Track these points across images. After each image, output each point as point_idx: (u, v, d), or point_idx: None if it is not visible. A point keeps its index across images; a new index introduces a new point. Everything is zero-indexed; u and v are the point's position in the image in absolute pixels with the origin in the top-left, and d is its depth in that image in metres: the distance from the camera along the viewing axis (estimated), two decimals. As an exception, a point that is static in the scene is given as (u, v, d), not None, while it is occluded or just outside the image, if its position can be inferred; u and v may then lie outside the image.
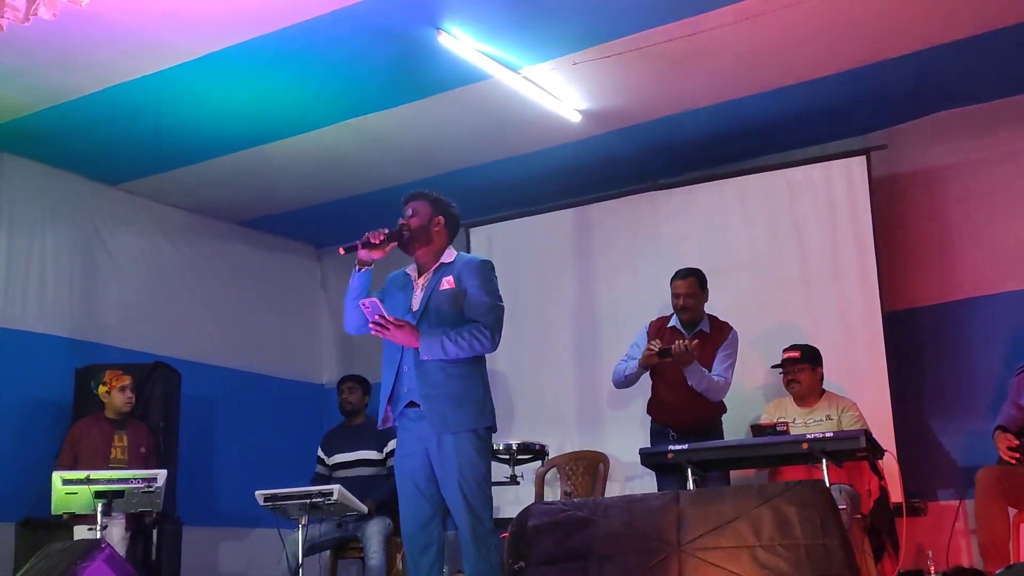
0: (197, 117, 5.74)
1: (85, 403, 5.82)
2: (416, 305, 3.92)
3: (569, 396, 6.62)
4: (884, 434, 5.24)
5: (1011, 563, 4.42)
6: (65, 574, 3.68)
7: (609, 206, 6.76)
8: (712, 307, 5.34)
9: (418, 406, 3.86)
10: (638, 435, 5.48)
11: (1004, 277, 5.83)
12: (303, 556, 4.83)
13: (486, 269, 3.98)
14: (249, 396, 7.36)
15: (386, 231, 3.87)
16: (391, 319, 3.76)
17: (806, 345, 5.26)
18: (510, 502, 5.70)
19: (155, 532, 5.47)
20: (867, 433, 4.39)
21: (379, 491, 5.64)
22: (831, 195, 6.08)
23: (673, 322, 5.30)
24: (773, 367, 5.34)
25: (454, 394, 3.84)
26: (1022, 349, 5.55)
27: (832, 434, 4.42)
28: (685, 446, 4.56)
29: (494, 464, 4.59)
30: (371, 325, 3.77)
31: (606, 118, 5.96)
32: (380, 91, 5.55)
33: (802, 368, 5.18)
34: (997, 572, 3.96)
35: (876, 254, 5.88)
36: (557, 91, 5.61)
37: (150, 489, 4.67)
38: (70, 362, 6.13)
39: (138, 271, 6.86)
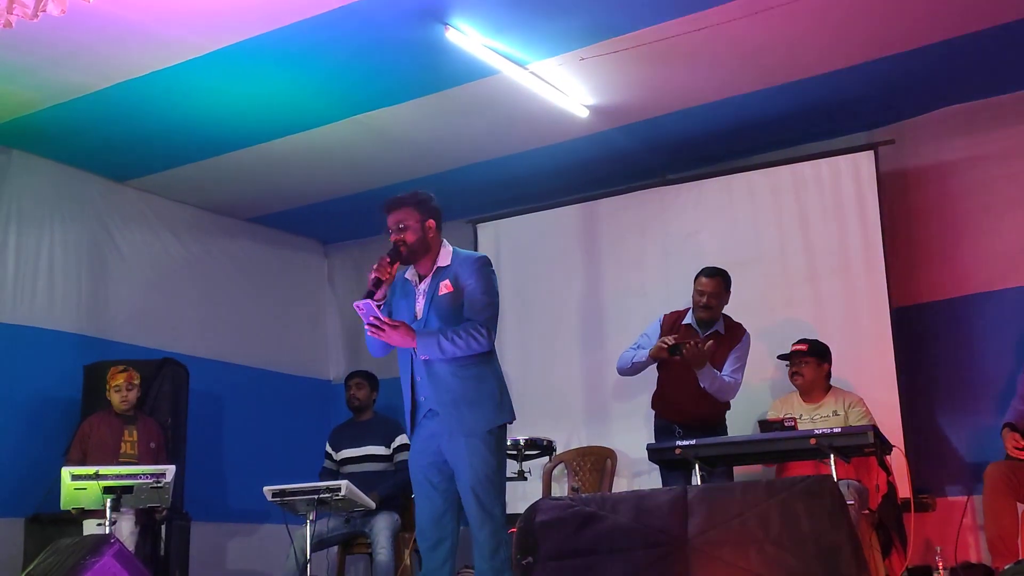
0: (205, 113, 5.74)
1: (94, 399, 5.84)
2: (420, 313, 3.95)
3: (576, 391, 6.62)
4: (892, 429, 5.24)
5: (1020, 558, 4.43)
6: (74, 569, 3.69)
7: (616, 201, 6.76)
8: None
9: (438, 414, 3.88)
10: (644, 430, 5.48)
11: (1013, 272, 5.81)
12: (311, 551, 4.85)
13: (483, 266, 3.99)
14: (257, 392, 7.36)
15: (387, 259, 3.85)
16: (386, 320, 3.78)
17: (816, 340, 5.26)
18: (518, 498, 5.70)
19: (164, 527, 5.47)
20: (875, 428, 4.40)
21: (385, 484, 5.66)
22: (839, 190, 6.07)
23: (688, 319, 5.27)
24: (779, 357, 5.35)
25: (471, 398, 3.86)
26: (1031, 345, 5.55)
27: (840, 429, 4.42)
28: (693, 442, 4.56)
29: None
30: (367, 326, 3.79)
31: (613, 113, 5.96)
32: (387, 87, 5.55)
33: (807, 361, 5.18)
34: (1005, 567, 3.97)
35: (884, 249, 5.86)
36: (564, 86, 5.60)
37: (159, 485, 4.70)
38: (79, 358, 6.14)
39: (146, 267, 6.87)
